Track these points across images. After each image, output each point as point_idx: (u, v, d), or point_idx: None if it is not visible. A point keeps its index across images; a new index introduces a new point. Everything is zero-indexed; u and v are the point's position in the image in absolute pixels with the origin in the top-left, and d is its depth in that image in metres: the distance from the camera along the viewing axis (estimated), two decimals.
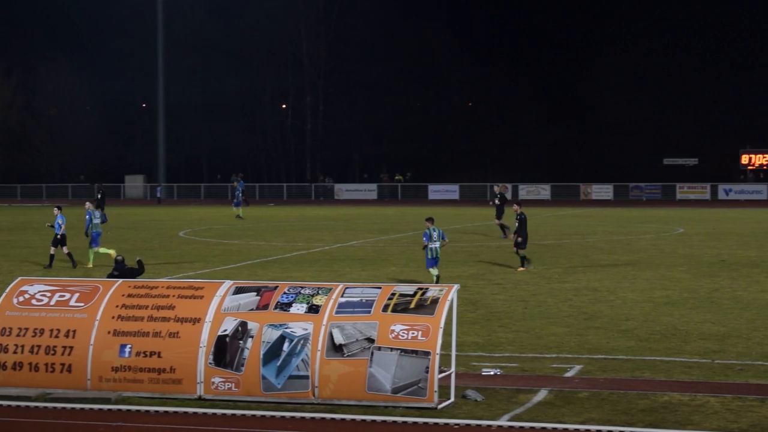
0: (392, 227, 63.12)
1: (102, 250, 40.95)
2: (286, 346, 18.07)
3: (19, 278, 20.57)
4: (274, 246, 50.23)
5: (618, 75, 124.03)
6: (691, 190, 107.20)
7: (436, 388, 17.52)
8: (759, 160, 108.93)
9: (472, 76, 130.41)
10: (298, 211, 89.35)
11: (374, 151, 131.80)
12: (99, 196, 71.79)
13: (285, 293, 18.77)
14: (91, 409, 18.01)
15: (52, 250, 40.69)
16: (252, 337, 18.26)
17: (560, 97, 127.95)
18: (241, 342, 18.27)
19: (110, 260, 27.34)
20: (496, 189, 58.70)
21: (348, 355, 17.83)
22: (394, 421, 17.01)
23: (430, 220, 34.22)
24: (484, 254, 44.76)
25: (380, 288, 18.78)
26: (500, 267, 39.33)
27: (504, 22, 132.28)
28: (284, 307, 18.49)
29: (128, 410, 17.92)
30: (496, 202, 54.55)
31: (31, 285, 19.89)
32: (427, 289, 18.54)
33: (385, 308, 18.13)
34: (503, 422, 16.89)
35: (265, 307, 18.58)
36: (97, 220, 41.88)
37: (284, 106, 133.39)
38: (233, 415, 17.48)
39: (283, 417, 17.36)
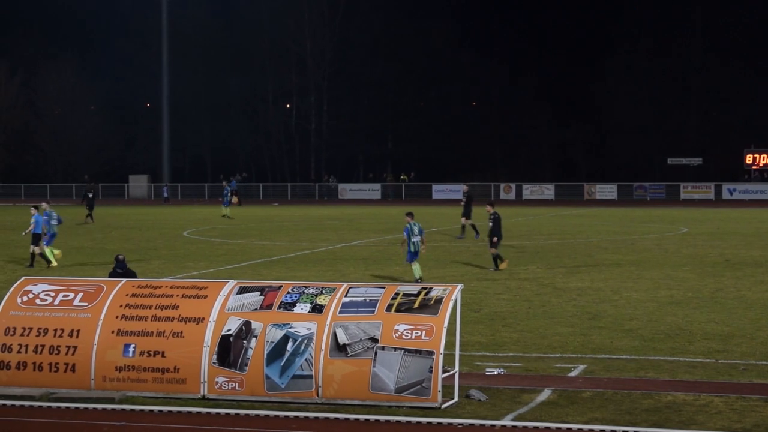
0: (396, 227, 63.04)
1: (47, 250, 41.16)
2: (289, 346, 18.06)
3: (23, 278, 20.58)
4: (278, 246, 50.24)
5: (623, 75, 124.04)
6: (696, 189, 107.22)
7: (439, 387, 17.51)
8: (763, 159, 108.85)
9: (476, 75, 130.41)
10: (302, 210, 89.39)
11: (378, 151, 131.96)
12: (90, 195, 71.75)
13: (289, 293, 18.77)
14: (95, 408, 18.01)
15: (35, 249, 40.95)
16: (256, 336, 18.26)
17: (565, 97, 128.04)
18: (244, 342, 18.27)
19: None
20: (464, 188, 59.16)
21: (352, 355, 17.83)
22: (398, 421, 17.01)
23: (409, 215, 34.92)
24: (487, 254, 44.68)
25: (384, 288, 18.78)
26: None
27: (509, 22, 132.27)
28: (288, 306, 18.49)
29: (132, 410, 17.92)
30: (464, 201, 54.70)
31: (35, 285, 19.89)
32: (430, 288, 18.53)
33: (389, 308, 18.13)
34: (507, 422, 16.88)
35: (269, 306, 18.58)
36: (54, 221, 42.39)
37: (288, 105, 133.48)
38: (237, 414, 17.48)
39: (286, 417, 17.35)
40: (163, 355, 18.51)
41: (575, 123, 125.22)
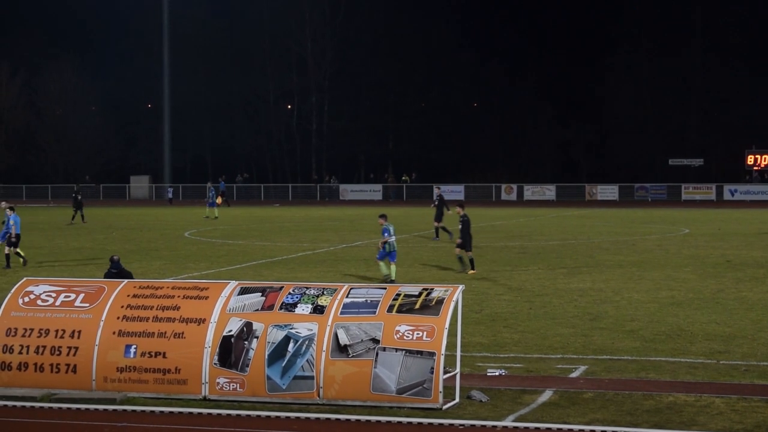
0: (397, 228, 62.79)
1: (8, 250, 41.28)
2: (291, 347, 18.07)
3: (25, 278, 20.58)
4: (279, 246, 50.25)
5: (623, 75, 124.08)
6: (697, 190, 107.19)
7: (440, 388, 17.51)
8: (764, 160, 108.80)
9: (477, 76, 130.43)
10: (303, 211, 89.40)
11: (379, 152, 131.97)
12: (79, 197, 71.72)
13: (290, 294, 18.77)
14: (96, 409, 18.01)
15: (7, 250, 40.84)
16: (257, 337, 18.26)
17: (566, 97, 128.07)
18: (246, 342, 18.27)
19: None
20: (436, 191, 59.44)
21: (353, 356, 17.83)
22: (399, 422, 17.00)
23: (383, 217, 35.82)
24: (489, 254, 44.75)
25: (385, 288, 18.78)
26: (505, 268, 39.32)
27: (509, 22, 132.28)
28: (289, 307, 18.49)
29: (133, 411, 17.92)
30: (435, 203, 54.72)
31: (37, 285, 19.89)
32: (432, 289, 18.53)
33: (390, 309, 18.13)
34: (508, 423, 16.88)
35: (270, 307, 18.58)
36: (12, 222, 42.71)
37: (289, 106, 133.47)
38: (238, 415, 17.48)
39: (288, 417, 17.35)
40: (164, 356, 18.51)
41: (576, 123, 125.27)
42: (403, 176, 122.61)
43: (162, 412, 17.87)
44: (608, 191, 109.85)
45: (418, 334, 17.73)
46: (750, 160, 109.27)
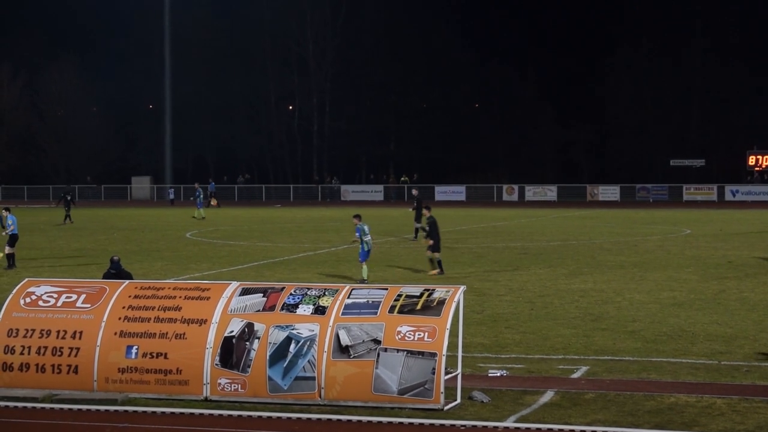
0: (398, 228, 63.14)
1: None
2: (292, 348, 18.07)
3: (26, 279, 20.59)
4: (280, 247, 50.25)
5: (625, 76, 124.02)
6: (698, 191, 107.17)
7: (442, 389, 17.51)
8: (766, 161, 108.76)
9: (479, 77, 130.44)
10: (304, 212, 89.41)
11: (381, 152, 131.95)
12: (68, 197, 71.85)
13: (291, 294, 18.77)
14: (98, 410, 18.02)
15: (8, 250, 40.98)
16: (258, 338, 18.26)
17: (567, 98, 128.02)
18: (247, 343, 18.27)
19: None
20: (414, 192, 59.76)
21: (354, 357, 17.83)
22: (401, 423, 17.00)
23: (357, 217, 36.51)
24: (490, 255, 44.76)
25: (387, 289, 18.77)
26: (506, 268, 39.32)
27: (511, 23, 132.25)
28: (291, 308, 18.49)
29: (135, 411, 17.92)
30: (414, 205, 54.83)
31: (38, 286, 19.89)
32: (433, 290, 18.52)
33: (392, 309, 18.12)
34: (510, 423, 16.88)
35: (272, 308, 18.58)
36: None
37: (290, 107, 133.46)
38: (239, 416, 17.48)
39: (289, 418, 17.36)
40: (165, 357, 18.50)
41: (578, 124, 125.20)
42: (402, 177, 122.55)
43: (163, 412, 17.88)
44: (609, 192, 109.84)
45: (419, 334, 17.72)
46: (751, 160, 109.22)
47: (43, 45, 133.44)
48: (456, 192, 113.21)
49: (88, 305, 19.23)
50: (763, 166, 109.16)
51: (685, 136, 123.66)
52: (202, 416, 17.56)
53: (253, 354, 18.18)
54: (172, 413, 17.82)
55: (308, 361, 17.93)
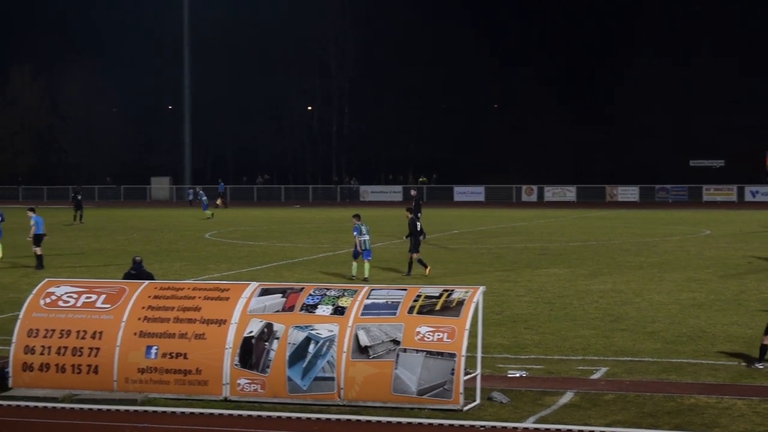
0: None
1: None
2: (311, 348, 18.07)
3: (46, 280, 20.64)
4: (299, 247, 50.29)
5: (644, 77, 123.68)
6: (718, 191, 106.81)
7: (461, 389, 17.50)
8: None
9: (498, 78, 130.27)
10: (323, 212, 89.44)
11: (400, 153, 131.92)
12: (79, 197, 72.07)
13: (311, 295, 18.78)
14: (118, 410, 18.06)
15: (37, 250, 41.07)
16: (278, 338, 18.28)
17: (586, 98, 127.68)
18: (266, 344, 18.29)
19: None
20: (412, 192, 60.14)
21: (373, 357, 17.83)
22: (420, 423, 17.00)
23: (356, 216, 37.48)
24: (509, 256, 44.71)
25: (406, 290, 18.76)
26: (526, 269, 39.27)
27: (531, 24, 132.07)
28: (310, 308, 18.50)
29: (154, 411, 17.96)
30: (412, 204, 54.94)
31: (58, 286, 19.94)
32: (452, 291, 18.51)
33: (411, 310, 18.12)
34: (529, 424, 16.86)
35: (291, 308, 18.59)
36: None
37: (310, 108, 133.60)
38: (259, 416, 17.50)
39: (308, 418, 17.37)
40: (185, 357, 18.54)
41: (597, 125, 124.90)
42: (421, 178, 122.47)
43: (183, 413, 17.91)
44: (629, 192, 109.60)
45: (438, 335, 17.72)
46: None
47: (64, 46, 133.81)
48: (475, 192, 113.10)
49: (108, 305, 19.28)
50: None
51: (704, 136, 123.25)
52: (222, 416, 17.58)
53: (272, 354, 18.20)
54: (192, 413, 17.85)
55: (327, 361, 17.94)
